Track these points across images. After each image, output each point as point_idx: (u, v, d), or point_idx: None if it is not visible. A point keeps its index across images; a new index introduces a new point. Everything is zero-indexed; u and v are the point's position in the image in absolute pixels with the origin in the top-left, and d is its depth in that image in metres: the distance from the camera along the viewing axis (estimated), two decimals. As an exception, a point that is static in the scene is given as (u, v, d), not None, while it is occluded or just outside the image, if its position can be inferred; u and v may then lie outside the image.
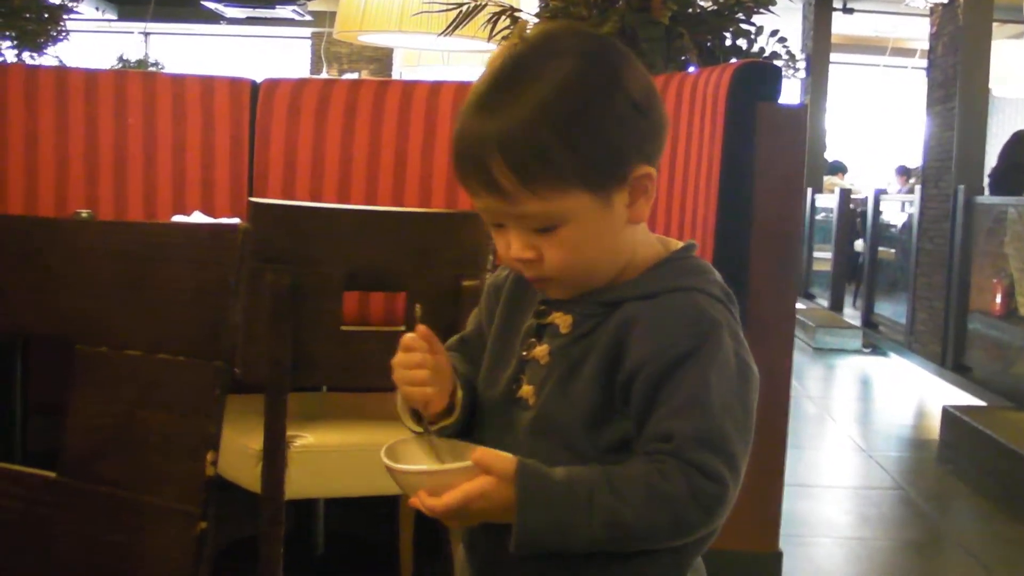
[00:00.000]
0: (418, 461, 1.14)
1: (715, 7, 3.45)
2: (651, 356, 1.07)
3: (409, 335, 1.15)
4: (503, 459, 1.06)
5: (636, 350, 1.08)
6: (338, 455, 2.22)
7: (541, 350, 1.15)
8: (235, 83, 3.27)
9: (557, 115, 1.06)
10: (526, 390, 1.15)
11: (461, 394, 1.19)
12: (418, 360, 1.14)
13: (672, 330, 1.08)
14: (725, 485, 1.05)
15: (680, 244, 1.18)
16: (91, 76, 3.21)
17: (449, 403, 1.18)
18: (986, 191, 6.76)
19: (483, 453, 1.06)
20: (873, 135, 14.81)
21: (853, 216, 9.75)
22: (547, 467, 1.07)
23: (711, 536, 1.12)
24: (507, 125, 1.06)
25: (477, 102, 1.09)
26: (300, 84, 3.27)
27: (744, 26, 3.45)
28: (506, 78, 1.09)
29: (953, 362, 6.52)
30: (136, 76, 3.38)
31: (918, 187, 7.51)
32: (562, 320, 1.15)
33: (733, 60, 3.32)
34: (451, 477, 1.06)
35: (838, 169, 12.24)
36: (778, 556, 2.86)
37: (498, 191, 1.07)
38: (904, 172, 11.75)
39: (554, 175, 1.06)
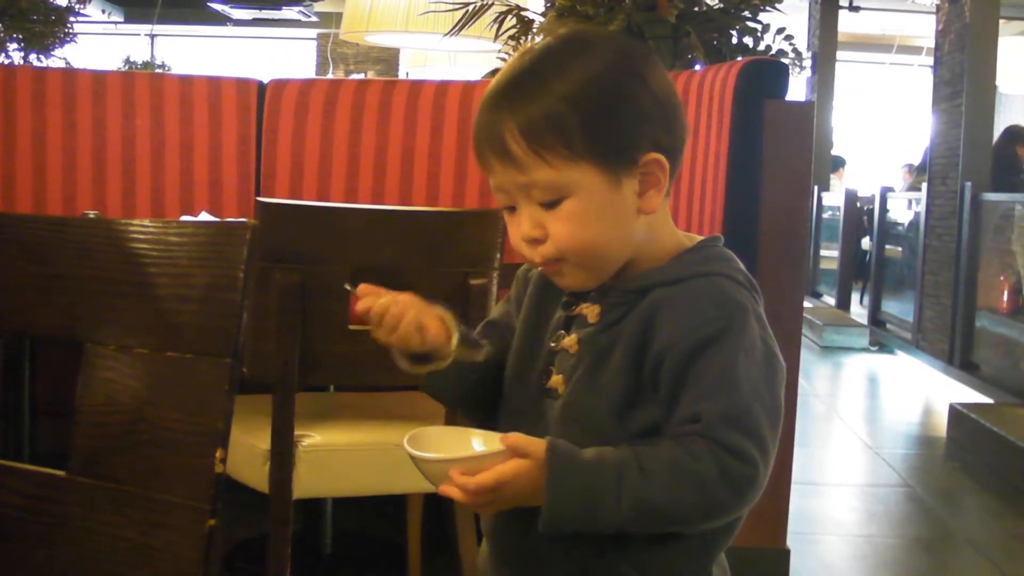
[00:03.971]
0: (442, 448, 1.12)
1: (721, 5, 3.45)
2: (678, 338, 1.07)
3: (362, 305, 1.17)
4: (535, 442, 1.07)
5: (663, 333, 1.09)
6: (346, 455, 2.22)
7: (570, 340, 1.16)
8: (242, 84, 3.28)
9: (576, 95, 1.09)
10: (555, 380, 1.16)
11: (455, 334, 1.16)
12: (381, 306, 1.16)
13: (699, 313, 1.08)
14: (755, 466, 1.05)
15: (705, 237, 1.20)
16: (99, 77, 3.21)
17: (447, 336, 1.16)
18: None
19: (516, 437, 1.07)
20: (879, 132, 14.75)
21: (860, 214, 9.72)
22: (578, 448, 1.07)
23: (738, 523, 1.13)
24: (527, 100, 1.10)
25: (500, 89, 1.13)
26: (307, 84, 3.27)
27: (750, 24, 3.46)
28: (534, 64, 1.13)
29: (960, 359, 6.51)
30: (143, 77, 3.39)
31: (924, 184, 7.48)
32: (590, 310, 1.16)
33: (739, 58, 3.32)
34: (482, 463, 1.07)
35: (837, 165, 12.04)
36: (786, 553, 2.86)
37: (509, 158, 1.10)
38: (911, 169, 11.65)
39: (563, 142, 1.08)
